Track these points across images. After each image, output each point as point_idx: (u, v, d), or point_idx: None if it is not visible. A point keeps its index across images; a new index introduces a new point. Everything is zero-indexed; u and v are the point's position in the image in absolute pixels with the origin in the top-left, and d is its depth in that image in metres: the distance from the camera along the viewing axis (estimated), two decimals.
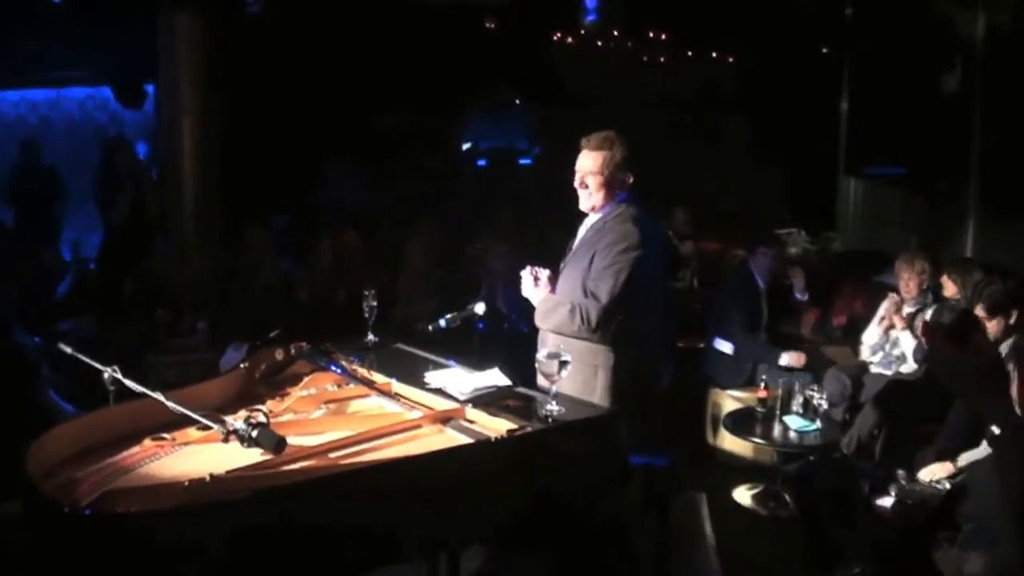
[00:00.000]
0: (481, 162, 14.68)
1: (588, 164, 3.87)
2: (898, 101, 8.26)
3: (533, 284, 3.93)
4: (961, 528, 4.40)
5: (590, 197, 3.89)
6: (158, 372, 6.33)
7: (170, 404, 3.01)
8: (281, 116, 9.84)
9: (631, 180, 3.89)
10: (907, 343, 6.14)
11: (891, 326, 6.24)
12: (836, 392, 6.08)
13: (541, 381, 3.32)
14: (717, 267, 9.08)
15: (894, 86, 8.35)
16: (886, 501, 5.13)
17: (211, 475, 2.63)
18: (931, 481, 4.94)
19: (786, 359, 6.28)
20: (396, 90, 11.02)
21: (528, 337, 4.03)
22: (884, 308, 6.32)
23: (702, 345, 6.84)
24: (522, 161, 14.46)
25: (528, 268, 3.96)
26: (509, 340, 6.02)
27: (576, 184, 3.91)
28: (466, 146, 13.88)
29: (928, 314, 6.05)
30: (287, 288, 7.43)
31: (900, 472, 5.14)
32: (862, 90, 9.56)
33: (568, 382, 3.48)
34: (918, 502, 4.82)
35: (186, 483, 2.62)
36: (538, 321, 3.88)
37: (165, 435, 3.07)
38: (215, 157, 7.81)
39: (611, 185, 3.85)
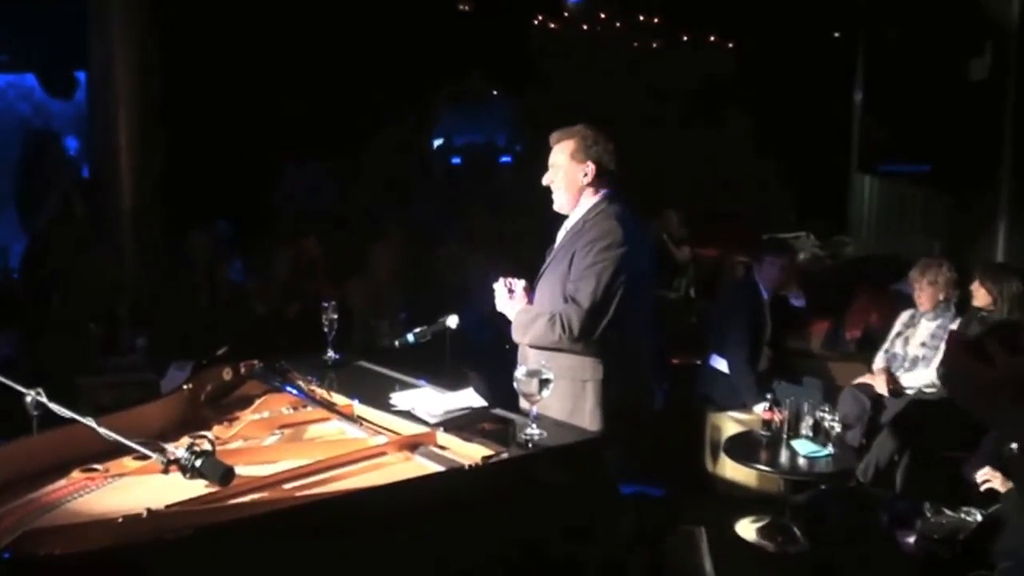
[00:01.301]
0: (455, 160, 14.70)
1: (551, 159, 4.00)
2: (919, 90, 8.29)
3: (508, 296, 3.95)
4: (996, 566, 4.38)
5: (558, 195, 4.00)
6: (90, 395, 6.27)
7: (102, 431, 2.96)
8: (230, 107, 9.80)
9: (594, 170, 3.94)
10: (923, 379, 6.14)
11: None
12: (852, 413, 6.08)
13: (524, 403, 3.31)
14: (716, 275, 9.11)
15: (915, 73, 8.38)
16: (908, 536, 5.13)
17: (148, 510, 2.59)
18: (963, 512, 4.88)
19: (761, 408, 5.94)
20: (359, 80, 11.01)
21: (508, 352, 4.02)
22: (875, 368, 6.32)
23: (699, 362, 6.85)
24: (501, 159, 14.49)
25: (501, 279, 3.98)
26: (486, 356, 6.02)
27: (544, 183, 4.01)
28: (437, 143, 13.90)
29: (954, 326, 6.02)
30: (237, 300, 7.39)
31: (926, 504, 5.06)
32: (878, 78, 9.63)
33: (555, 402, 3.48)
34: (945, 536, 4.75)
35: (119, 520, 2.58)
36: (516, 336, 3.89)
37: (97, 466, 3.02)
38: (155, 152, 7.77)
39: (575, 178, 3.92)
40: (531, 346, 3.84)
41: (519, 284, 3.99)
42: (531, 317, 3.84)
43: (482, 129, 15.21)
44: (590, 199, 3.96)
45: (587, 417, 3.75)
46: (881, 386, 6.15)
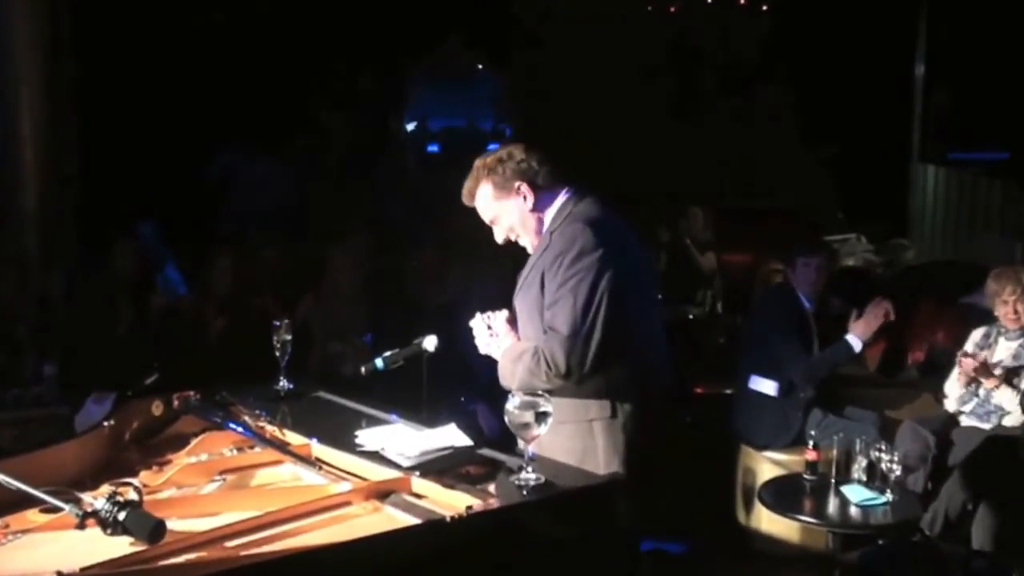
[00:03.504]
0: (431, 148, 14.74)
1: (484, 216, 4.02)
2: (995, 65, 8.29)
3: (488, 335, 3.93)
4: None
5: (523, 239, 3.98)
6: None
7: (2, 478, 2.96)
8: (157, 87, 9.81)
9: (528, 187, 3.91)
10: (1007, 399, 6.16)
11: (973, 380, 6.25)
12: (914, 452, 6.08)
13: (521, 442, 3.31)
14: (748, 286, 9.12)
15: (989, 45, 8.38)
16: None
17: (58, 574, 2.59)
18: None
19: (859, 333, 6.21)
20: (312, 51, 11.02)
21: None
22: (960, 357, 6.32)
23: (729, 391, 6.84)
24: (488, 147, 14.51)
25: (478, 316, 3.96)
26: (470, 385, 6.03)
27: (501, 241, 4.04)
28: (410, 126, 13.94)
29: None
30: (168, 318, 7.38)
31: (1011, 566, 5.04)
32: (945, 50, 9.63)
33: (563, 443, 3.51)
34: None
35: None
36: (504, 382, 3.84)
37: None
38: (66, 143, 7.76)
39: (521, 213, 3.93)
40: (522, 392, 3.81)
41: (500, 317, 3.94)
42: (515, 356, 3.80)
43: (463, 110, 15.25)
44: (552, 208, 3.92)
45: (600, 460, 3.73)
46: (969, 367, 6.15)
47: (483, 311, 4.04)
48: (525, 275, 3.95)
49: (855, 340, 6.23)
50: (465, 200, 4.03)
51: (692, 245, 9.65)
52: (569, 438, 3.65)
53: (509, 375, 3.82)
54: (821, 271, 6.52)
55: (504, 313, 3.95)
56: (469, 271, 7.08)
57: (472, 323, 3.98)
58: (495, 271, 4.38)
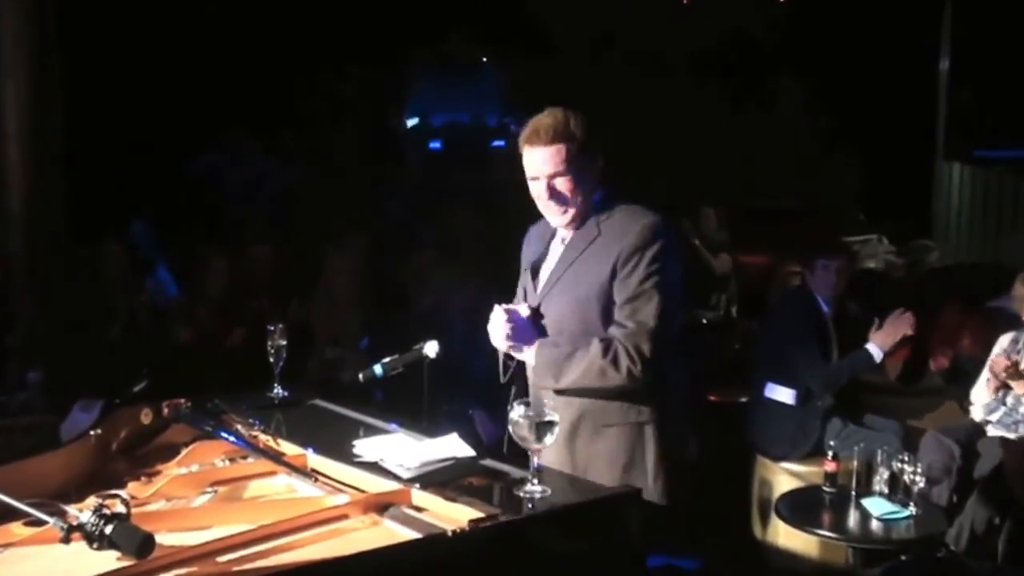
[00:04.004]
0: (433, 144, 14.75)
1: (548, 164, 3.82)
2: (1023, 59, 8.29)
3: (508, 331, 3.88)
4: None
5: (566, 208, 3.86)
6: None
7: None
8: (149, 82, 9.82)
9: (600, 160, 3.89)
10: None
11: (1003, 385, 6.24)
12: (938, 463, 6.08)
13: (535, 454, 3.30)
14: (765, 290, 9.12)
15: (1016, 38, 8.38)
16: None
17: None
18: None
19: (880, 343, 6.22)
20: (314, 47, 11.03)
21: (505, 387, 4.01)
22: (992, 359, 6.32)
23: (744, 399, 6.84)
24: (492, 144, 14.53)
25: (499, 307, 3.91)
26: (477, 391, 6.03)
27: (538, 196, 3.88)
28: (412, 122, 13.95)
29: None
30: (159, 323, 7.39)
31: None
32: (970, 44, 9.62)
33: (607, 452, 3.57)
34: None
35: None
36: (542, 380, 3.80)
37: None
38: (53, 140, 7.76)
39: (585, 181, 3.85)
40: (565, 391, 3.77)
41: (522, 311, 3.89)
42: (564, 353, 3.76)
43: (467, 106, 15.26)
44: (594, 197, 3.91)
45: (649, 472, 3.74)
46: (1001, 367, 6.15)
47: (469, 311, 4.04)
48: (557, 269, 3.91)
49: (876, 349, 6.23)
50: (538, 138, 3.82)
51: (703, 246, 9.64)
52: (615, 443, 3.65)
53: (553, 373, 3.77)
54: (841, 274, 6.50)
55: (525, 307, 3.90)
56: (452, 271, 7.06)
57: (494, 314, 3.87)
58: (498, 272, 4.34)
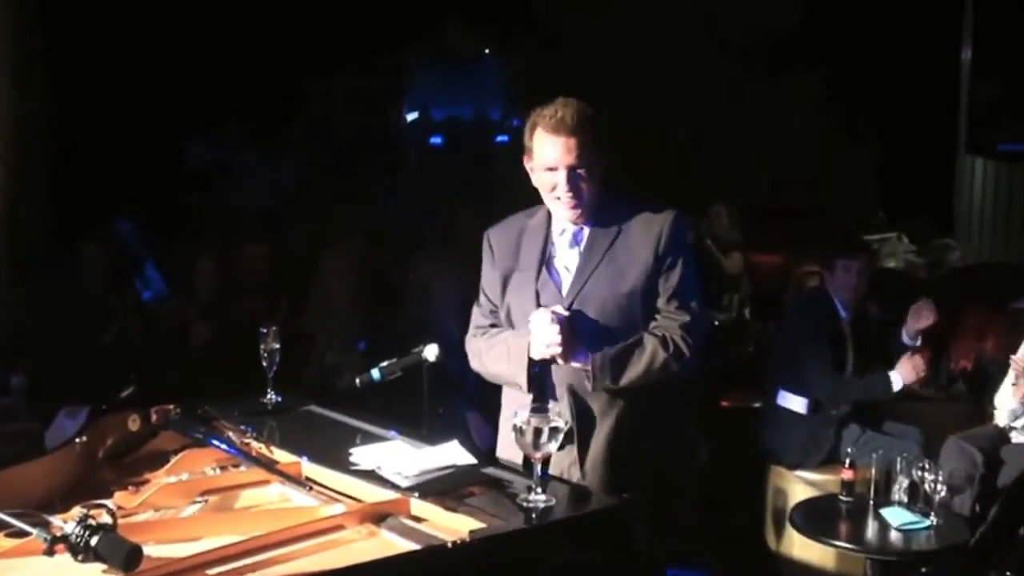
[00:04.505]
0: (434, 140, 14.74)
1: (571, 154, 3.82)
2: None
3: (558, 336, 3.80)
4: None
5: (579, 201, 3.86)
6: None
7: None
8: (138, 72, 9.81)
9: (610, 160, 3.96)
10: None
11: None
12: (960, 471, 6.06)
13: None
14: (779, 290, 9.12)
15: None
16: None
17: None
18: None
19: (903, 373, 6.19)
20: (306, 38, 11.02)
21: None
22: (1015, 359, 6.31)
23: (757, 405, 6.83)
24: (496, 139, 14.52)
25: (544, 309, 3.81)
26: (471, 395, 6.03)
27: (552, 186, 3.86)
28: (411, 116, 13.94)
29: None
30: (147, 325, 7.39)
31: None
32: (994, 30, 9.61)
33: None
34: None
35: None
36: (599, 382, 3.80)
37: None
38: (35, 134, 7.77)
39: (597, 177, 3.89)
40: (624, 388, 3.83)
41: (561, 312, 3.83)
42: (619, 351, 3.80)
43: (470, 99, 15.24)
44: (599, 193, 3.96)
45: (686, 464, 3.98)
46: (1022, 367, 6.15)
47: (469, 313, 4.06)
48: (585, 267, 3.92)
49: (897, 378, 6.16)
50: (564, 126, 3.80)
51: (713, 245, 9.64)
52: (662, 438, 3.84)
53: (613, 373, 3.80)
54: (862, 276, 6.45)
55: (560, 308, 3.84)
56: (453, 272, 7.06)
57: (536, 315, 3.81)
58: (479, 272, 4.30)
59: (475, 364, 4.06)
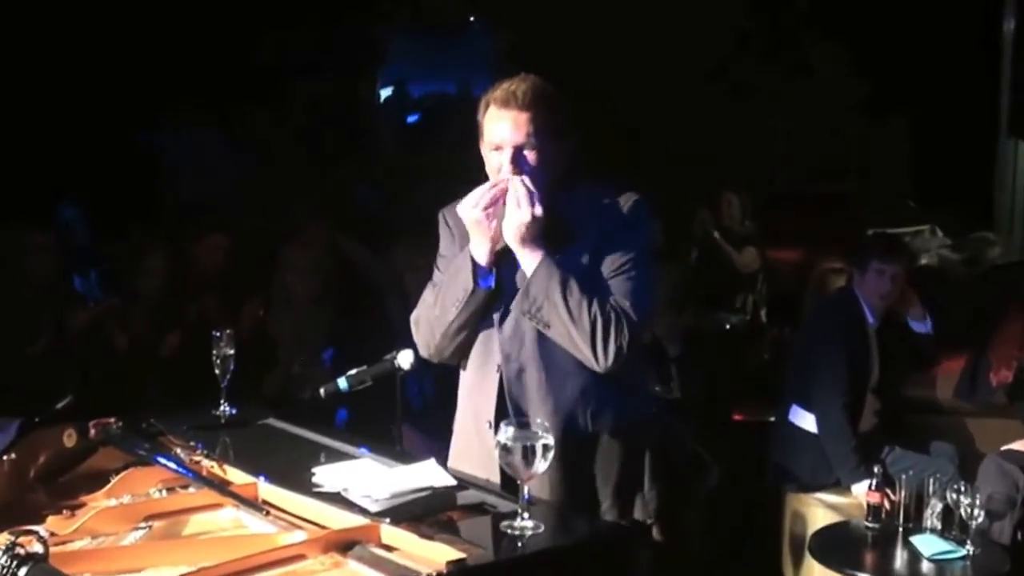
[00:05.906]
0: (411, 119, 14.77)
1: (519, 131, 3.76)
2: None
3: (529, 211, 3.70)
4: None
5: (521, 195, 3.73)
6: None
7: None
8: (79, 45, 9.82)
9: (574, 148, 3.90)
10: None
11: None
12: (1000, 494, 6.08)
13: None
14: (799, 290, 9.14)
15: None
16: None
17: None
18: None
19: (858, 493, 6.10)
20: (265, 6, 11.03)
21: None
22: None
23: (773, 419, 6.84)
24: None
25: (516, 179, 3.72)
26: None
27: (497, 169, 3.80)
28: (385, 92, 13.97)
29: None
30: (87, 327, 7.38)
31: None
32: None
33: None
34: None
35: None
36: (542, 289, 3.72)
37: None
38: None
39: (551, 162, 3.80)
40: (548, 324, 3.72)
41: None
42: (564, 276, 3.69)
43: (452, 73, 15.26)
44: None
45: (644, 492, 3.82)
46: None
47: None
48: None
49: (856, 488, 6.07)
50: (514, 100, 3.75)
51: (722, 239, 9.63)
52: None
53: (562, 282, 3.70)
54: (897, 281, 6.39)
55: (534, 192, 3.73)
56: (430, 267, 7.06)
57: (509, 185, 3.73)
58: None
59: (424, 331, 3.96)
